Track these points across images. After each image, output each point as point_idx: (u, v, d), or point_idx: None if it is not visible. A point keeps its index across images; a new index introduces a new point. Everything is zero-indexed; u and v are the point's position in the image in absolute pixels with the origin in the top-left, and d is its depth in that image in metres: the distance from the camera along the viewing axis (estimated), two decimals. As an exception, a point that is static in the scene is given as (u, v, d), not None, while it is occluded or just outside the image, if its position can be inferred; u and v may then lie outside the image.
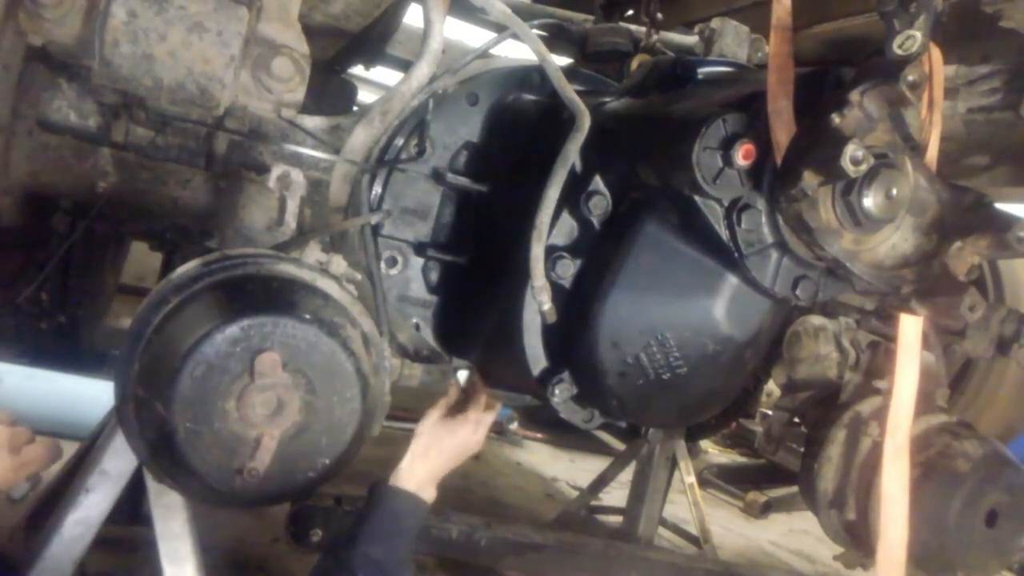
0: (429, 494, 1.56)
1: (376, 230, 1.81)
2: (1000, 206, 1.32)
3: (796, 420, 2.00)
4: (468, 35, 3.09)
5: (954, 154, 1.68)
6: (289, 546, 2.19)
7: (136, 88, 1.27)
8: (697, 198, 1.39)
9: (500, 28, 1.57)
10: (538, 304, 1.51)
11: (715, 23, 1.98)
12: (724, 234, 1.39)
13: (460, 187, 1.87)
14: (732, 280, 1.45)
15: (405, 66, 2.66)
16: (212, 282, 1.31)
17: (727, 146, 1.35)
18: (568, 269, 1.57)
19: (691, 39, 2.13)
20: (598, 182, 1.59)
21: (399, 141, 1.80)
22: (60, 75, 1.66)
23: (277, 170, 1.54)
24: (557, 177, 1.48)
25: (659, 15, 2.25)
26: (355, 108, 2.78)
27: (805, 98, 1.32)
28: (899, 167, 1.27)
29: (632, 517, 3.40)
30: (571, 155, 1.50)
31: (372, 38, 1.90)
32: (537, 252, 1.48)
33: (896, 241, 1.34)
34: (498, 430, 5.08)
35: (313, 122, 1.77)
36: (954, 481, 1.64)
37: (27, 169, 1.72)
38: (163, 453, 1.26)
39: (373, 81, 4.00)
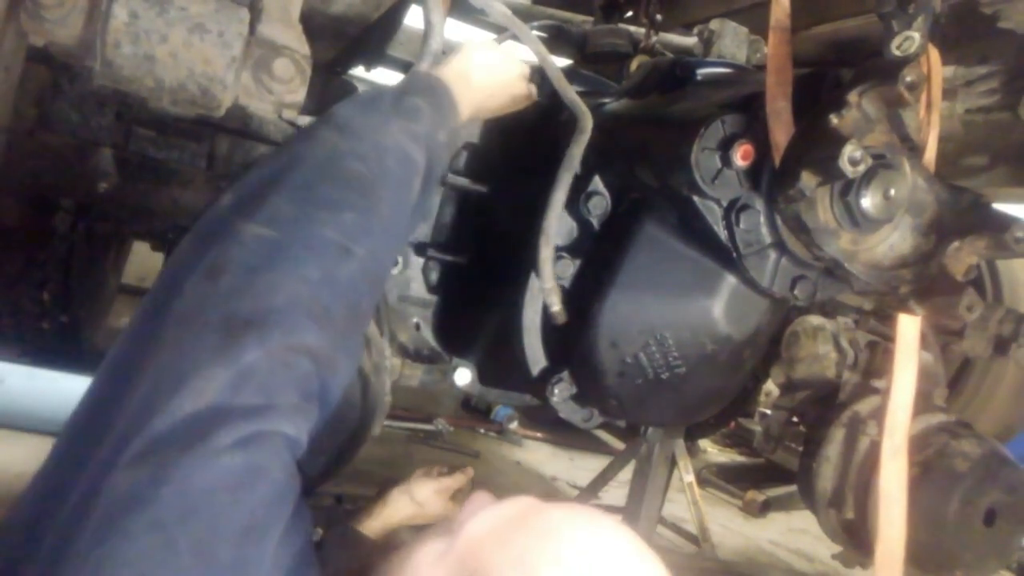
0: None
1: (376, 230, 1.82)
2: (998, 206, 1.33)
3: (795, 419, 2.01)
4: (468, 36, 3.09)
5: (952, 154, 1.68)
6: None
7: (138, 89, 1.27)
8: (696, 198, 1.40)
9: (500, 29, 1.57)
10: (548, 305, 1.51)
11: (714, 24, 1.98)
12: (723, 234, 1.40)
13: (460, 187, 1.88)
14: (730, 280, 1.46)
15: (406, 67, 2.67)
16: (213, 282, 1.32)
17: (726, 147, 1.35)
18: (567, 269, 1.57)
19: (690, 40, 2.14)
20: (597, 182, 1.60)
21: (399, 141, 1.81)
22: (61, 76, 1.66)
23: (278, 171, 1.54)
24: (563, 180, 1.48)
25: (658, 16, 2.25)
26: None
27: (804, 99, 1.33)
28: (897, 168, 1.28)
29: (631, 516, 3.40)
30: (576, 158, 1.50)
31: (372, 39, 1.91)
32: (546, 254, 1.48)
33: (894, 241, 1.34)
34: (498, 429, 5.09)
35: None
36: (952, 480, 1.64)
37: (29, 169, 1.72)
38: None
39: (374, 82, 4.00)
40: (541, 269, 1.48)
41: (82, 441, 0.69)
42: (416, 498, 1.70)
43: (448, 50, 1.31)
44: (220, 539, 0.62)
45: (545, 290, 1.49)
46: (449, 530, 0.80)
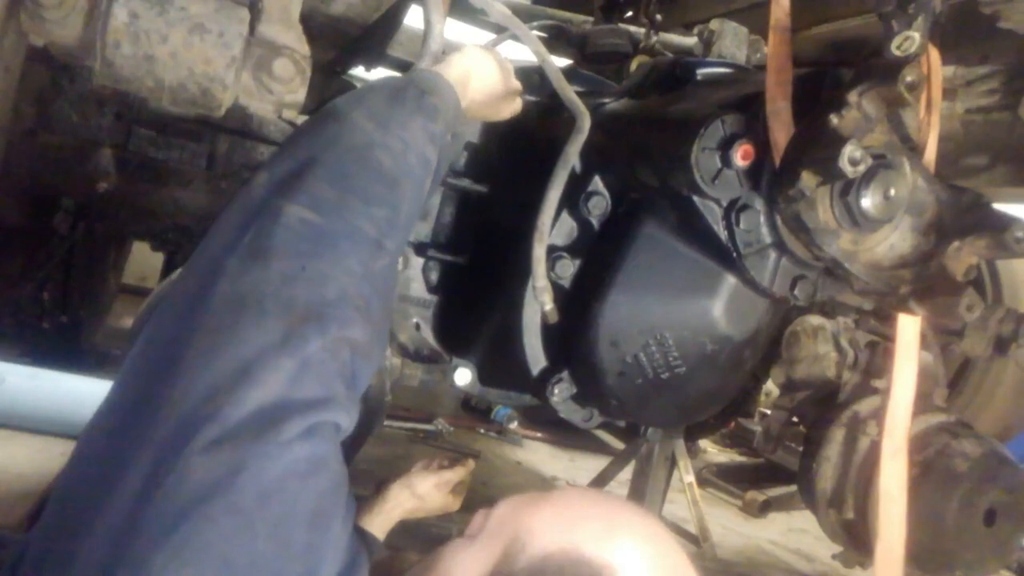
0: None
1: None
2: (998, 206, 1.33)
3: (795, 419, 2.01)
4: (468, 36, 3.09)
5: (952, 154, 1.68)
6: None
7: (138, 89, 1.27)
8: (696, 198, 1.40)
9: (500, 29, 1.57)
10: (540, 304, 1.51)
11: (714, 24, 1.99)
12: (723, 234, 1.40)
13: (460, 188, 1.88)
14: (730, 280, 1.46)
15: (406, 67, 2.67)
16: (213, 282, 1.32)
17: (726, 147, 1.35)
18: (567, 269, 1.57)
19: (690, 40, 2.14)
20: (598, 183, 1.60)
21: (399, 142, 1.80)
22: (62, 76, 1.66)
23: (278, 170, 1.54)
24: (558, 178, 1.49)
25: (658, 16, 2.25)
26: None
27: (803, 99, 1.33)
28: (897, 168, 1.28)
29: (632, 516, 3.40)
30: (572, 156, 1.50)
31: (373, 39, 1.91)
32: (539, 253, 1.48)
33: (894, 241, 1.34)
34: (498, 429, 5.10)
35: (313, 123, 1.78)
36: (952, 480, 1.64)
37: (29, 169, 1.73)
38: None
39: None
40: (534, 267, 1.48)
41: (134, 424, 0.69)
42: (417, 491, 1.70)
43: (448, 49, 1.31)
44: (293, 525, 0.66)
45: (537, 288, 1.49)
46: (466, 534, 0.84)
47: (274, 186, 0.86)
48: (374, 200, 0.90)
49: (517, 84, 1.40)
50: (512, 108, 1.43)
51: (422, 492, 1.70)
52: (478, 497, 1.83)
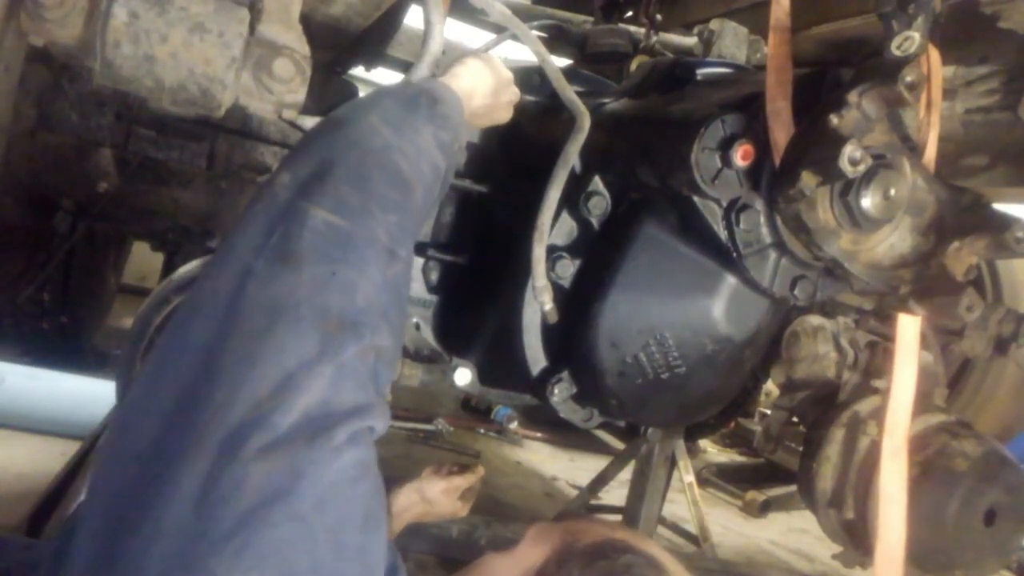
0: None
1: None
2: (998, 206, 1.33)
3: (795, 419, 2.01)
4: (468, 36, 3.09)
5: (952, 154, 1.68)
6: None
7: (137, 89, 1.27)
8: (696, 198, 1.40)
9: (500, 29, 1.57)
10: (540, 304, 1.51)
11: (714, 24, 1.99)
12: (723, 234, 1.40)
13: (460, 188, 1.88)
14: (731, 280, 1.46)
15: (406, 67, 2.67)
16: (213, 282, 1.32)
17: (726, 147, 1.35)
18: (567, 269, 1.57)
19: (690, 40, 2.14)
20: (597, 182, 1.60)
21: (399, 142, 1.80)
22: (62, 76, 1.66)
23: (278, 170, 1.54)
24: (558, 178, 1.49)
25: (658, 16, 2.25)
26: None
27: (803, 99, 1.33)
28: (897, 167, 1.28)
29: (631, 516, 3.41)
30: (572, 156, 1.50)
31: (372, 39, 1.91)
32: (539, 253, 1.48)
33: (894, 241, 1.34)
34: (498, 429, 5.10)
35: (314, 123, 1.78)
36: (952, 480, 1.64)
37: (29, 169, 1.73)
38: (165, 452, 1.27)
39: (374, 82, 4.01)
40: (534, 267, 1.48)
41: (177, 426, 0.69)
42: (426, 496, 1.70)
43: (448, 50, 1.31)
44: (348, 528, 0.68)
45: (537, 288, 1.49)
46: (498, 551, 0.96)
47: (297, 187, 0.86)
48: (390, 206, 0.90)
49: (515, 93, 1.39)
50: (505, 116, 1.42)
51: (432, 497, 1.71)
52: (478, 497, 1.83)
